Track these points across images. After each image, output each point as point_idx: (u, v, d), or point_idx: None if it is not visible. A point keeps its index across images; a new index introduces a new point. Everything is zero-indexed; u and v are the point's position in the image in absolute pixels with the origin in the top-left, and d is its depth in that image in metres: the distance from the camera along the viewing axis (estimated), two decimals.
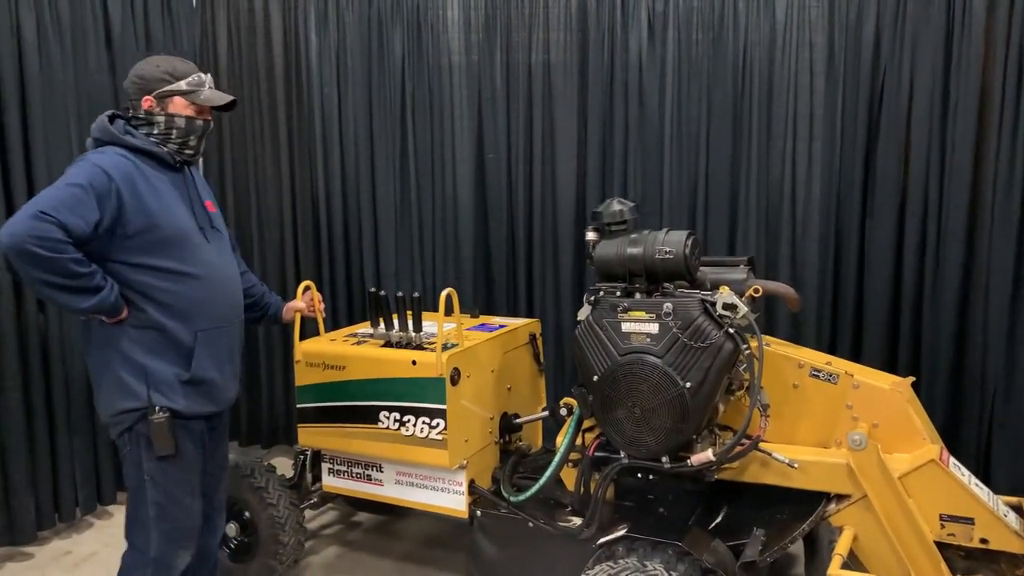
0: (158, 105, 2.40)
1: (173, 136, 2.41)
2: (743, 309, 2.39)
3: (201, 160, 2.86)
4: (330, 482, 3.08)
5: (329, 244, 4.35)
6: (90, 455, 3.69)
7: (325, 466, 3.07)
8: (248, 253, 4.37)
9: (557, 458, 2.69)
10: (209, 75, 2.50)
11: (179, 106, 2.41)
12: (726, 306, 2.40)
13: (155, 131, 2.40)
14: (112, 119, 2.41)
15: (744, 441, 2.45)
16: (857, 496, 2.44)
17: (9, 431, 3.34)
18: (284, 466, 3.37)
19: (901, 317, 3.67)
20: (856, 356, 3.71)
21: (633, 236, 2.57)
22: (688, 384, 2.39)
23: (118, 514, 3.82)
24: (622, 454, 2.56)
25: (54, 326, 3.49)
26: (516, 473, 2.98)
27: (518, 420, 3.09)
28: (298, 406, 2.99)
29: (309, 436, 3.00)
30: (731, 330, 2.40)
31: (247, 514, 3.09)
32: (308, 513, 3.49)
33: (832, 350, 3.77)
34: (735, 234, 3.93)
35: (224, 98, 2.49)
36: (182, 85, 2.40)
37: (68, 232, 2.13)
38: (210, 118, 2.50)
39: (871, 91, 3.66)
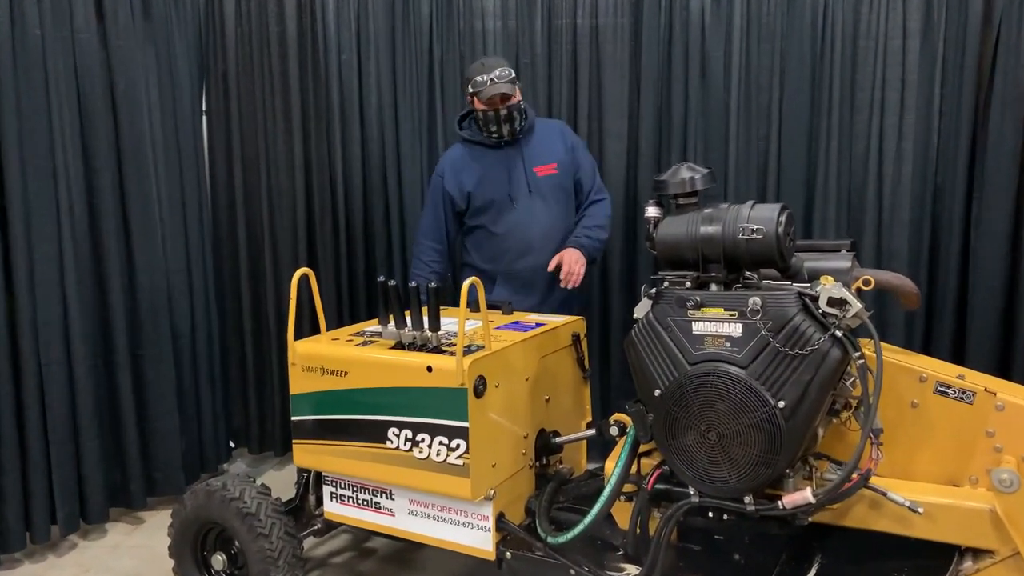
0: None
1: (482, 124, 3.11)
2: (856, 306, 1.83)
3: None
4: (332, 509, 2.58)
5: (347, 230, 3.89)
6: (72, 467, 3.24)
7: (327, 489, 2.58)
8: (258, 239, 3.93)
9: (607, 492, 2.14)
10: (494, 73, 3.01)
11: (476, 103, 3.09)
12: (832, 301, 1.85)
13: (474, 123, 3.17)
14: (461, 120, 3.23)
15: (852, 476, 1.89)
16: (1005, 553, 1.86)
17: None
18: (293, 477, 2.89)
19: (1017, 318, 3.12)
20: (957, 363, 3.15)
21: (708, 211, 2.02)
22: (782, 403, 1.84)
23: (113, 532, 3.41)
24: (691, 490, 2.01)
25: (25, 312, 3.04)
26: (555, 503, 2.46)
27: (558, 440, 2.56)
28: (293, 419, 2.50)
29: (306, 455, 2.50)
30: (839, 332, 1.84)
31: (236, 544, 2.61)
32: (315, 539, 3.02)
33: (926, 349, 3.31)
34: (811, 220, 3.52)
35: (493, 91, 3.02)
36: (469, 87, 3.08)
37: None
38: (500, 107, 3.03)
39: (980, 53, 3.19)
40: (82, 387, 3.22)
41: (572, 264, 2.97)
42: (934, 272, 3.36)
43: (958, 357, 3.25)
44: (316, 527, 2.79)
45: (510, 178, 3.10)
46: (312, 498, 2.77)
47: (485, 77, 3.00)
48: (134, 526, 3.46)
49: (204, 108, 3.91)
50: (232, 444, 4.02)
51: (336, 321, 3.71)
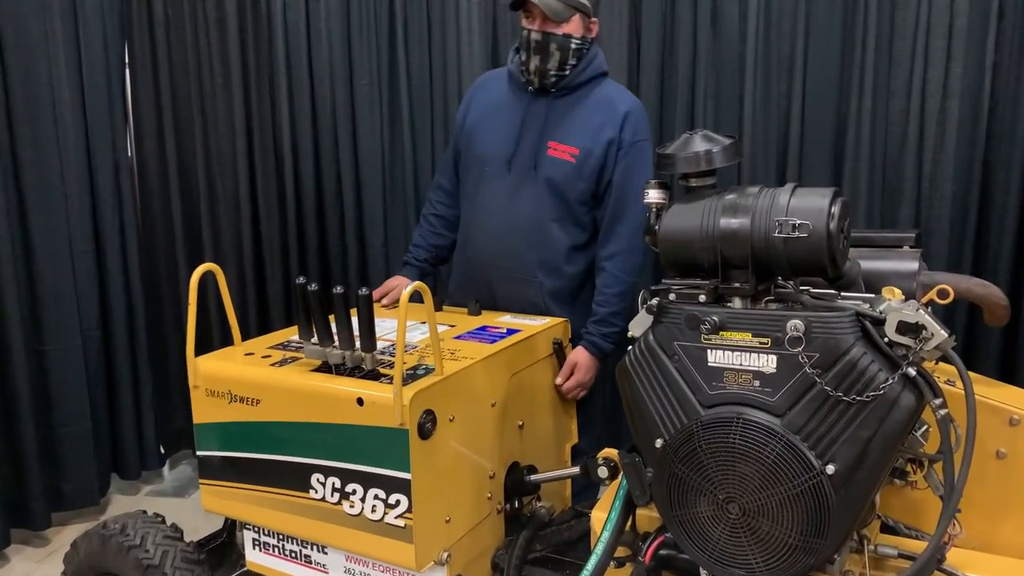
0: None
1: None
2: (939, 334, 1.31)
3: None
4: (255, 559, 2.10)
5: (297, 202, 3.38)
6: None
7: (248, 534, 2.10)
8: (195, 214, 3.44)
9: (592, 564, 1.64)
10: None
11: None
12: (904, 327, 1.32)
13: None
14: None
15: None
16: None
17: None
18: None
19: None
20: (1009, 374, 2.81)
21: (730, 197, 1.48)
22: (831, 468, 1.33)
23: (15, 557, 2.94)
24: (703, 574, 1.52)
25: None
26: (530, 554, 1.98)
27: (534, 478, 2.06)
28: (199, 453, 2.00)
29: (215, 499, 2.01)
30: (912, 371, 1.32)
31: None
32: None
33: (967, 364, 2.76)
34: None
35: None
36: None
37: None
38: (533, 27, 2.27)
39: None
40: None
41: (583, 379, 2.26)
42: (981, 257, 2.93)
43: (1007, 372, 2.80)
44: (245, 568, 2.32)
45: (519, 139, 2.35)
46: (241, 535, 2.30)
47: None
48: (39, 548, 3.00)
49: (127, 59, 3.38)
50: (163, 450, 3.53)
51: (285, 319, 3.25)
